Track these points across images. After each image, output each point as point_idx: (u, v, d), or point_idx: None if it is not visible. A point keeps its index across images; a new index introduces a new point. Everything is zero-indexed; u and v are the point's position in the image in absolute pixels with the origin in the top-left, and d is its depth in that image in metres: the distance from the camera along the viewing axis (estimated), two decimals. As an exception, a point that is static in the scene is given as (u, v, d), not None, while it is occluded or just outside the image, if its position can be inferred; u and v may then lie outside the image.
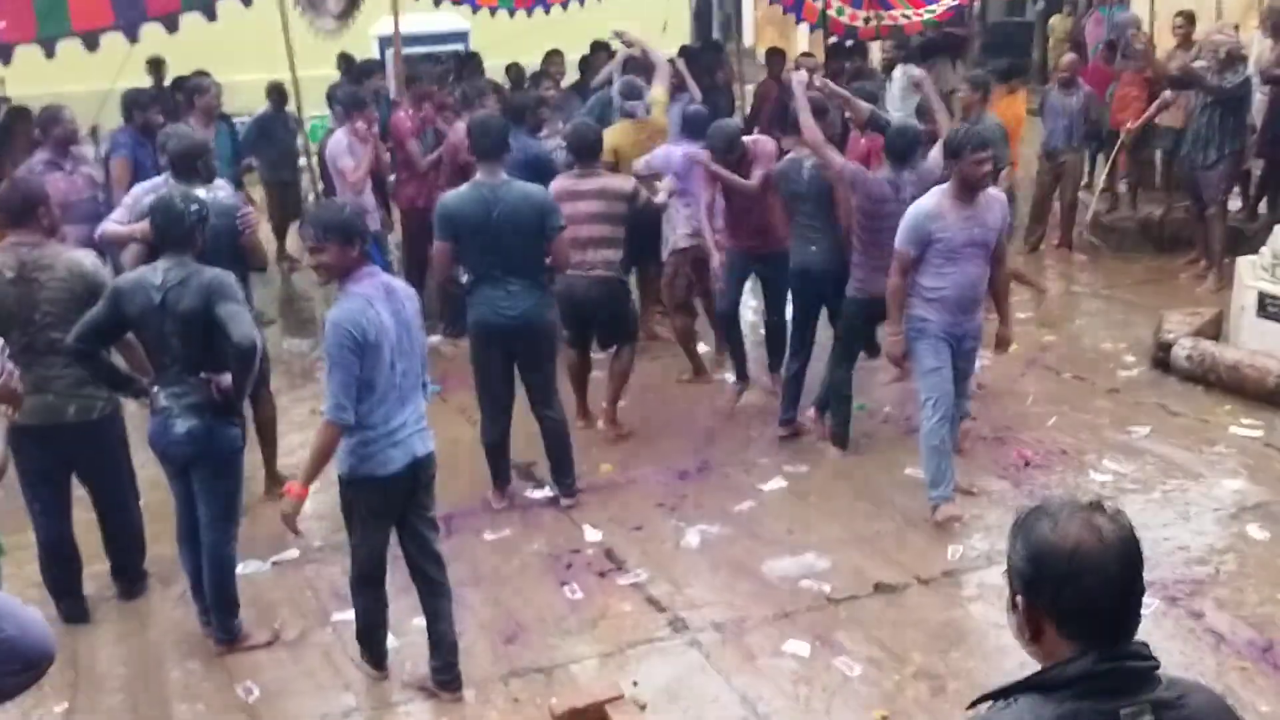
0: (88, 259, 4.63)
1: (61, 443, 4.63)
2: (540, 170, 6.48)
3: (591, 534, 5.43)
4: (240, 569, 4.80)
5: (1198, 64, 8.61)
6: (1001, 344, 5.90)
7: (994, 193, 5.41)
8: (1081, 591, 1.77)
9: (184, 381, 4.35)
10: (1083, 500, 1.86)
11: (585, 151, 6.13)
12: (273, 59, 9.76)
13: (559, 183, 6.09)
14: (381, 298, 3.93)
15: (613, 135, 7.07)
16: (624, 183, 6.28)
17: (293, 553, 5.33)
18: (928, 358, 5.39)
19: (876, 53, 12.68)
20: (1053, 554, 1.79)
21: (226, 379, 4.33)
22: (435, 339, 7.60)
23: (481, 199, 5.34)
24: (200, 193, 4.83)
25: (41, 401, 4.45)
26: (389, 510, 4.16)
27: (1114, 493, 5.68)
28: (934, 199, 5.27)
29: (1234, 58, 8.44)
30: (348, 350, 3.82)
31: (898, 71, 10.57)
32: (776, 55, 10.65)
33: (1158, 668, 1.80)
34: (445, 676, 4.29)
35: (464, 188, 5.49)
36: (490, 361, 5.57)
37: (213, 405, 4.34)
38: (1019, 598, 1.85)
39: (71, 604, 4.86)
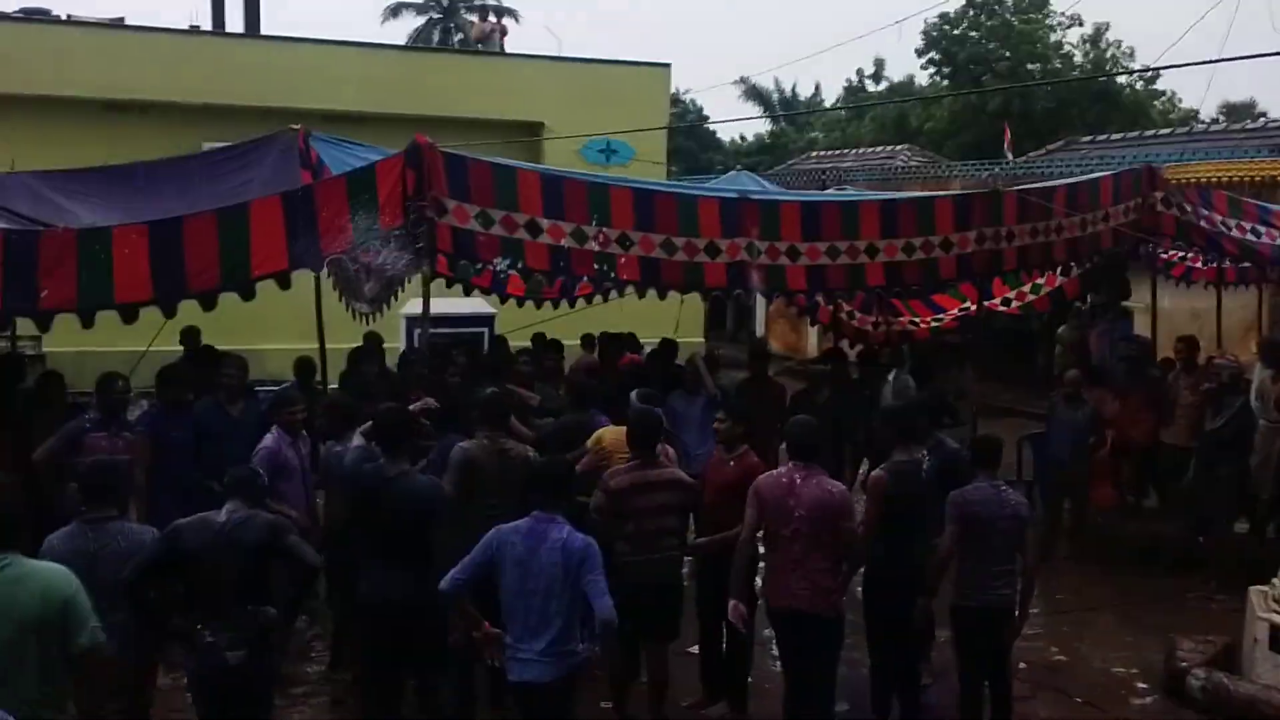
0: None
1: None
2: None
3: None
4: None
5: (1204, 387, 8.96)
6: None
7: None
8: None
9: (230, 615, 4.81)
10: None
11: (646, 441, 6.15)
12: (304, 329, 10.16)
13: (626, 475, 6.03)
14: (529, 536, 4.89)
15: (604, 432, 6.99)
16: (686, 476, 6.35)
17: None
18: None
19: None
20: None
21: (271, 611, 4.92)
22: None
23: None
24: None
25: None
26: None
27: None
28: None
29: (1235, 381, 8.76)
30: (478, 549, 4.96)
31: (892, 375, 10.84)
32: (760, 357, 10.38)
33: None
34: None
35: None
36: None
37: (262, 636, 4.90)
38: None
39: None
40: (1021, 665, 7.28)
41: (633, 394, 7.69)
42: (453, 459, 6.15)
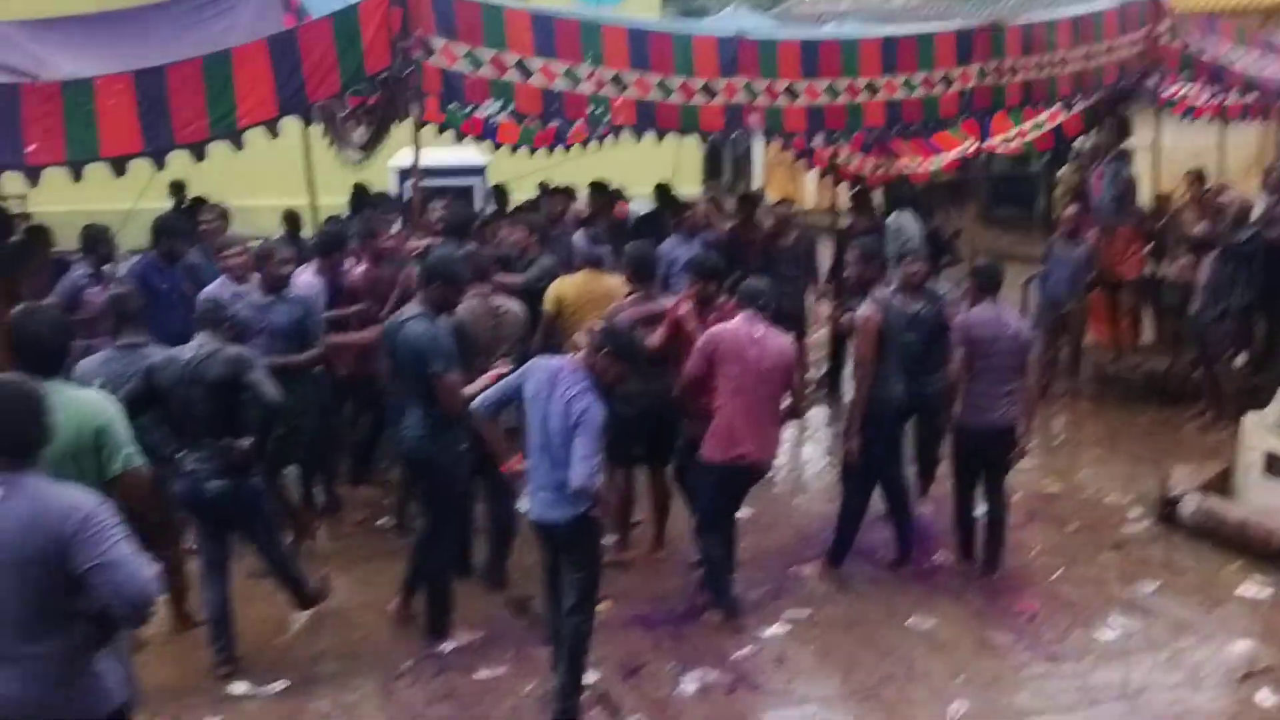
0: None
1: None
2: None
3: (586, 676, 5.31)
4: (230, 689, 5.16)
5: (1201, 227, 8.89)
6: None
7: None
8: None
9: (205, 446, 5.05)
10: None
11: (648, 275, 6.27)
12: (293, 185, 10.02)
13: (631, 310, 6.06)
14: (549, 378, 4.74)
15: (562, 285, 6.80)
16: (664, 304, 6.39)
17: (281, 683, 5.25)
18: None
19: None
20: None
21: (243, 443, 5.11)
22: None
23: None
24: None
25: None
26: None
27: (1122, 652, 5.59)
28: None
29: (1243, 215, 8.69)
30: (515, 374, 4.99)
31: (892, 217, 10.73)
32: (748, 201, 10.32)
33: None
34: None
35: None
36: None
37: (239, 465, 5.14)
38: None
39: None
40: (1016, 496, 7.41)
41: (576, 235, 7.58)
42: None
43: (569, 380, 4.69)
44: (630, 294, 6.30)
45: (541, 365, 4.85)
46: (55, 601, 3.08)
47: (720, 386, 5.72)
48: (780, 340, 5.83)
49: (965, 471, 6.43)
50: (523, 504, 5.05)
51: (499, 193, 10.50)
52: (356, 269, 7.51)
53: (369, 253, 7.54)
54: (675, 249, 8.93)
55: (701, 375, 5.77)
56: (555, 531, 4.84)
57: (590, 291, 6.64)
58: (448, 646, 5.58)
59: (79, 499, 3.10)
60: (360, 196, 9.93)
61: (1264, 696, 5.18)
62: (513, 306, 6.27)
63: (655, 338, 6.07)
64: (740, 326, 5.77)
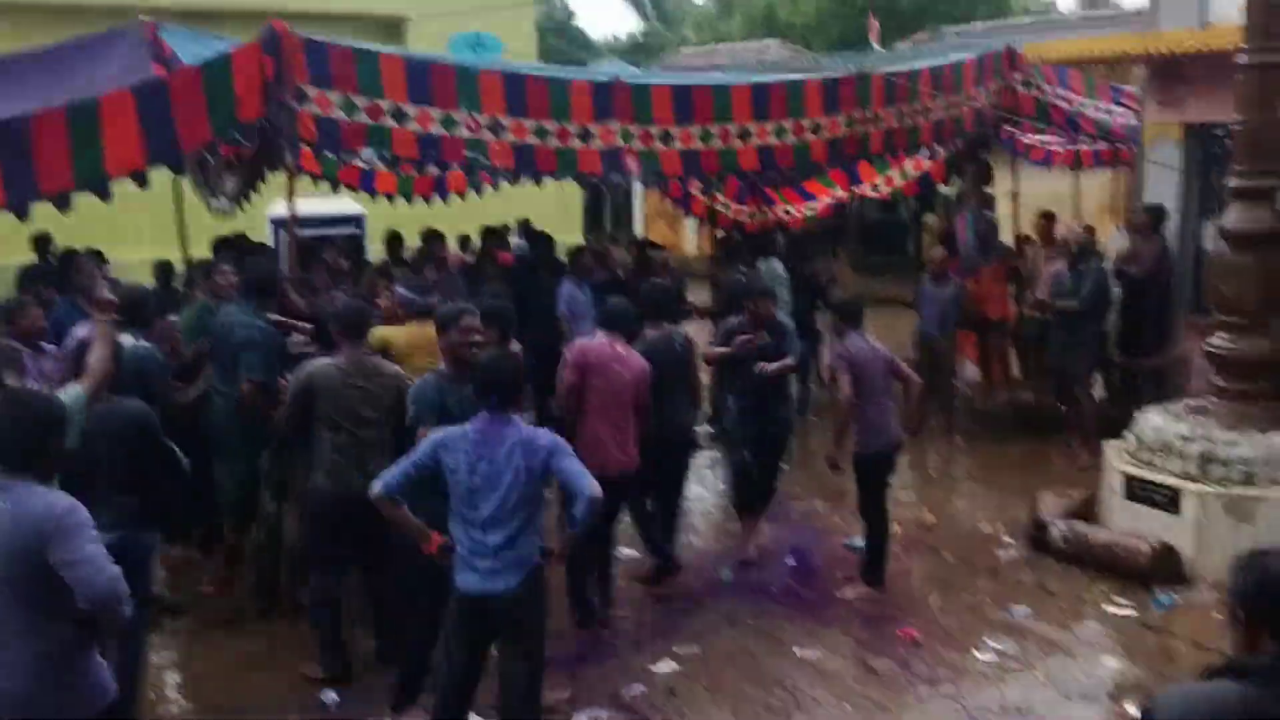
0: None
1: None
2: None
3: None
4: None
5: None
6: None
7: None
8: None
9: (102, 498, 4.61)
10: None
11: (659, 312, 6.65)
12: (165, 238, 9.82)
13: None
14: (483, 438, 4.39)
15: (389, 331, 6.58)
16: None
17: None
18: None
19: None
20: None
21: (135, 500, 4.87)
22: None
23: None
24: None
25: None
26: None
27: (998, 672, 5.75)
28: None
29: (1087, 249, 9.18)
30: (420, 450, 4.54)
31: (760, 264, 10.93)
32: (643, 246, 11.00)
33: None
34: None
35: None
36: None
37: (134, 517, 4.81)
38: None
39: None
40: (895, 528, 7.59)
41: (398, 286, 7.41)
42: (292, 382, 5.73)
43: (509, 429, 4.38)
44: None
45: (458, 434, 4.42)
46: (43, 598, 3.26)
47: (588, 399, 6.10)
48: (639, 360, 6.20)
49: (876, 494, 6.75)
50: (466, 582, 4.44)
51: (393, 240, 10.45)
52: None
53: None
54: (571, 290, 9.02)
55: (577, 385, 6.13)
56: (497, 604, 4.39)
57: (422, 336, 6.28)
58: (332, 696, 5.47)
59: (56, 500, 3.31)
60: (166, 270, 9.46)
61: (1134, 710, 5.37)
62: (392, 371, 5.81)
63: None
64: (604, 343, 6.18)
